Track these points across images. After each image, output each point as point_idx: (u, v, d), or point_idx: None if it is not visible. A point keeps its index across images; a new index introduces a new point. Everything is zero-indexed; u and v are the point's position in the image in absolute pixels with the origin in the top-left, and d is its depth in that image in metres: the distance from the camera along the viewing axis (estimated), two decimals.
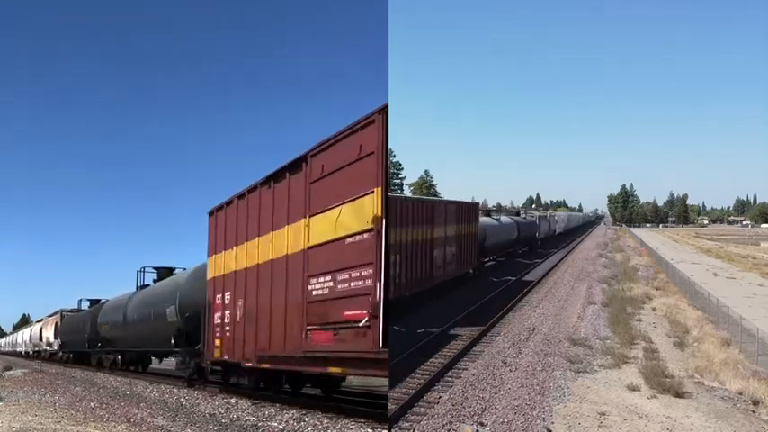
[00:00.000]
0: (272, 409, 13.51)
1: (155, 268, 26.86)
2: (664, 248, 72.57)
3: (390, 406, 11.52)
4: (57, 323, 40.11)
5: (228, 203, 15.66)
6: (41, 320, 48.16)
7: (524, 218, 56.51)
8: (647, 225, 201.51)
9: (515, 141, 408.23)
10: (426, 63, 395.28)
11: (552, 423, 11.18)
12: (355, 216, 9.85)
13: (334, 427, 11.33)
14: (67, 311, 40.01)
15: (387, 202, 9.49)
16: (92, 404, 16.51)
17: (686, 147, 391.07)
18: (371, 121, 9.79)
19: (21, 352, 55.42)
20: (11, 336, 74.31)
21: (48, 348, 43.17)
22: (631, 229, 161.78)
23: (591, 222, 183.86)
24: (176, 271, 23.94)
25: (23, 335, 55.69)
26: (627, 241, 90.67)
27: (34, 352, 48.75)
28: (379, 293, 9.09)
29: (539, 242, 60.20)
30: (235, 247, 14.96)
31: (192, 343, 18.19)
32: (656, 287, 32.60)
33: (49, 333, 42.58)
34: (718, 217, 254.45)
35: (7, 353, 65.38)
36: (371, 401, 12.99)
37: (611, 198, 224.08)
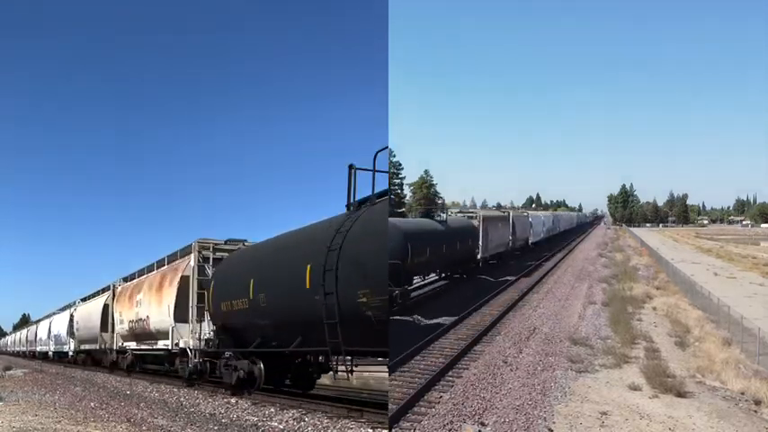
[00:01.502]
0: (272, 409, 13.48)
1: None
2: (664, 248, 72.52)
3: (390, 406, 11.49)
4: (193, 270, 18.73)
5: None
6: (104, 291, 29.93)
7: (441, 220, 29.27)
8: (647, 225, 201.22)
9: (516, 141, 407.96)
10: (427, 62, 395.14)
11: (554, 423, 11.15)
12: None
13: (334, 427, 11.30)
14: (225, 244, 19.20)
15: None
16: (92, 404, 16.49)
17: (686, 147, 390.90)
18: None
19: (46, 352, 42.45)
20: (23, 331, 58.99)
21: (135, 347, 23.83)
22: (631, 228, 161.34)
23: (588, 223, 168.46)
24: None
25: (54, 324, 40.58)
26: (627, 241, 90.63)
27: (80, 352, 32.87)
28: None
29: (488, 261, 36.13)
30: None
31: None
32: (657, 287, 32.56)
33: (147, 308, 21.66)
34: (718, 217, 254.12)
35: (17, 354, 54.00)
36: (372, 401, 12.96)
37: (611, 198, 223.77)
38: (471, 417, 11.30)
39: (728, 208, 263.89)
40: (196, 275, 18.57)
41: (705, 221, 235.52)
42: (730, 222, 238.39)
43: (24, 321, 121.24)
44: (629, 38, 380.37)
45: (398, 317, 20.60)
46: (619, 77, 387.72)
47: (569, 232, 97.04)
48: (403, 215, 24.13)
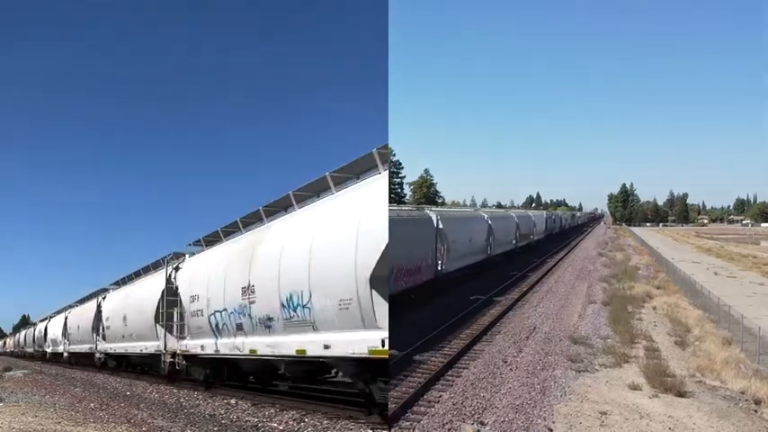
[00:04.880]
0: (271, 410, 13.49)
1: None
2: (664, 248, 72.47)
3: (390, 405, 11.48)
4: None
5: None
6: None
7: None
8: (647, 224, 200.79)
9: (516, 140, 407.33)
10: (427, 61, 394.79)
11: (553, 422, 11.13)
12: None
13: (334, 428, 11.30)
14: None
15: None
16: (92, 405, 16.49)
17: (686, 146, 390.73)
18: None
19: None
20: (56, 317, 40.51)
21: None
22: (631, 228, 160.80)
23: (578, 227, 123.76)
24: None
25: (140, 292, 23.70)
26: (627, 240, 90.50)
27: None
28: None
29: None
30: None
31: None
32: (657, 286, 32.52)
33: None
34: (719, 216, 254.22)
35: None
36: (372, 402, 12.94)
37: (611, 197, 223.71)
38: (471, 416, 11.30)
39: (728, 207, 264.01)
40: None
41: (705, 221, 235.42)
42: (730, 222, 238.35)
43: (24, 322, 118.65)
44: (629, 39, 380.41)
45: None
46: (619, 78, 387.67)
47: (534, 244, 54.00)
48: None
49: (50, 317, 44.91)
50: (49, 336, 41.86)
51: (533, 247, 53.35)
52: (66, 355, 36.16)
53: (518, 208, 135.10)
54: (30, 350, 52.83)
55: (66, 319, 36.61)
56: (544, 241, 62.28)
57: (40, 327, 48.16)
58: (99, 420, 13.75)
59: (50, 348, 41.67)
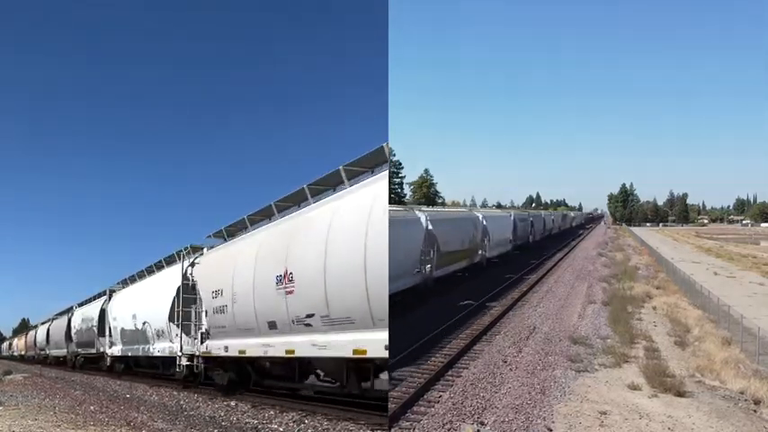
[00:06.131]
0: (271, 412, 13.50)
1: None
2: (664, 248, 72.44)
3: (390, 405, 11.49)
4: None
5: None
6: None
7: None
8: (647, 224, 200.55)
9: (516, 140, 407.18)
10: (427, 61, 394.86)
11: (553, 422, 11.15)
12: None
13: (334, 429, 11.32)
14: None
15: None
16: (92, 408, 16.48)
17: (686, 146, 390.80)
18: None
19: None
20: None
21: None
22: (631, 228, 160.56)
23: (571, 230, 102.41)
24: None
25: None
26: (627, 240, 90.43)
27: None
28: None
29: None
30: None
31: None
32: (657, 286, 32.52)
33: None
34: (719, 216, 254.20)
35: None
36: (371, 402, 12.96)
37: (611, 197, 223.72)
38: (471, 416, 11.31)
39: (728, 207, 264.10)
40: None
41: (705, 221, 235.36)
42: (730, 222, 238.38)
43: (24, 326, 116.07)
44: (629, 40, 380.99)
45: None
46: (620, 77, 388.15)
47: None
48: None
49: (111, 291, 29.06)
50: (112, 324, 26.67)
51: (497, 264, 38.41)
52: (185, 363, 17.78)
53: (518, 208, 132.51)
54: (58, 352, 37.81)
55: (194, 276, 17.95)
56: (512, 255, 43.44)
57: (85, 312, 31.77)
58: (99, 423, 13.74)
59: (114, 349, 26.43)
